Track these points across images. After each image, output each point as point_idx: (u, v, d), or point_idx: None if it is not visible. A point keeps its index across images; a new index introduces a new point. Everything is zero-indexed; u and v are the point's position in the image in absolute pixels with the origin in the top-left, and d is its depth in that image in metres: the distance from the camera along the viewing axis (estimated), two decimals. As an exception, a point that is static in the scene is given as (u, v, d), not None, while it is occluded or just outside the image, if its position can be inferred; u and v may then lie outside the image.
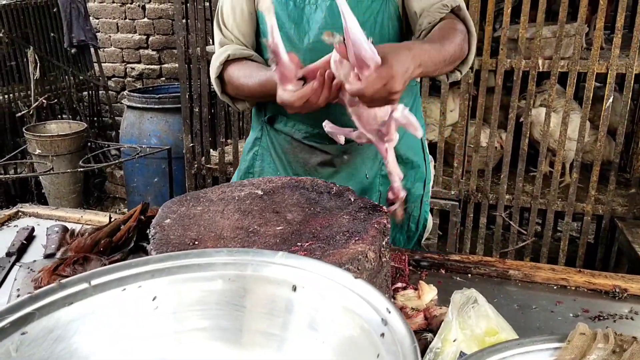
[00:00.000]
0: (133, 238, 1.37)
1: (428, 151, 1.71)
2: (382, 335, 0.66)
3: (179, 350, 0.81)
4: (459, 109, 2.78)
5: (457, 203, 2.82)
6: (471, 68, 2.67)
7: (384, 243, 1.13)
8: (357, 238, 1.09)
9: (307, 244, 1.07)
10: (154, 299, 0.83)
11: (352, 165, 1.61)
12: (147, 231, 1.18)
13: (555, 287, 1.32)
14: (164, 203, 1.33)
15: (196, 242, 1.11)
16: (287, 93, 1.20)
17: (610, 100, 2.57)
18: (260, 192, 1.29)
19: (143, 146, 3.36)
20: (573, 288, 1.31)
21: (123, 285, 0.82)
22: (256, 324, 0.81)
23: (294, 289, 0.80)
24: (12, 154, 3.44)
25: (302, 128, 1.58)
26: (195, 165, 3.24)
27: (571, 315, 1.21)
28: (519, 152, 2.74)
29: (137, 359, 0.80)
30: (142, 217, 1.40)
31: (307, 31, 1.45)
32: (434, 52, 1.23)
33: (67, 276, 1.26)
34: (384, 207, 1.25)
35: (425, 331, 1.16)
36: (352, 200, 1.28)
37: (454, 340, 0.93)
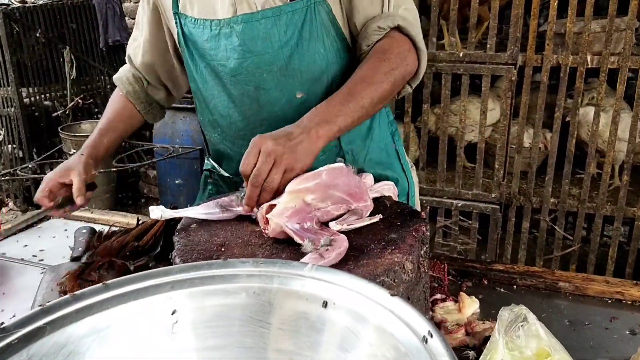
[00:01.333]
0: (160, 242, 1.32)
1: (405, 156, 1.53)
2: (423, 364, 0.58)
3: (198, 371, 0.74)
4: (500, 107, 2.66)
5: (497, 206, 2.70)
6: (514, 64, 2.54)
7: (422, 252, 1.05)
8: (393, 247, 1.01)
9: (339, 252, 0.99)
10: (173, 313, 0.76)
11: None
12: (173, 236, 1.13)
13: (609, 301, 1.23)
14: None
15: (222, 249, 1.05)
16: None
17: (664, 98, 2.41)
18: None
19: (175, 146, 3.34)
20: (629, 302, 1.22)
21: (141, 298, 0.76)
22: (282, 343, 0.74)
23: (325, 305, 0.73)
24: (48, 153, 3.47)
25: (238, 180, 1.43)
26: (228, 166, 3.19)
27: (628, 332, 1.12)
28: (564, 153, 2.60)
29: (155, 378, 0.74)
30: (170, 221, 1.35)
31: (227, 59, 1.27)
32: (352, 102, 1.14)
33: (92, 281, 1.22)
34: (423, 214, 1.17)
35: (467, 348, 1.08)
36: (388, 205, 1.20)
37: (501, 363, 0.85)
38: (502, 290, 1.28)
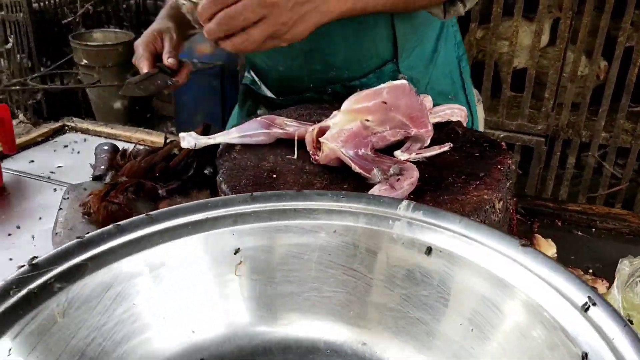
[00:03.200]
0: (193, 164, 1.17)
1: (471, 87, 1.34)
2: (585, 354, 0.44)
3: (267, 322, 0.61)
4: (558, 29, 2.41)
5: (543, 139, 2.52)
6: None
7: (507, 187, 0.90)
8: (477, 182, 0.86)
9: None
10: (236, 252, 0.63)
11: None
12: (216, 159, 0.98)
13: None
14: (228, 123, 1.13)
15: (274, 175, 0.90)
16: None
17: None
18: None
19: (194, 61, 3.12)
20: None
21: (197, 232, 0.62)
22: (376, 296, 0.60)
23: (428, 252, 0.59)
24: (58, 63, 3.27)
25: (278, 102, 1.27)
26: (250, 84, 2.99)
27: None
28: (620, 84, 2.38)
29: (208, 329, 0.61)
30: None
31: None
32: None
33: (119, 204, 1.08)
34: (503, 144, 1.01)
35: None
36: (460, 132, 1.04)
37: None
38: (579, 233, 1.14)
